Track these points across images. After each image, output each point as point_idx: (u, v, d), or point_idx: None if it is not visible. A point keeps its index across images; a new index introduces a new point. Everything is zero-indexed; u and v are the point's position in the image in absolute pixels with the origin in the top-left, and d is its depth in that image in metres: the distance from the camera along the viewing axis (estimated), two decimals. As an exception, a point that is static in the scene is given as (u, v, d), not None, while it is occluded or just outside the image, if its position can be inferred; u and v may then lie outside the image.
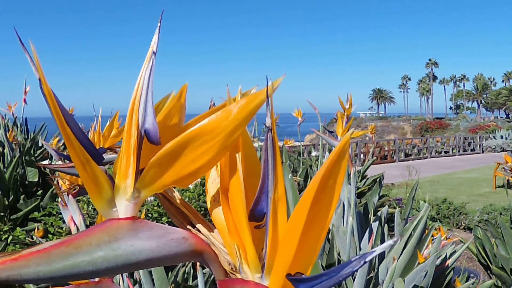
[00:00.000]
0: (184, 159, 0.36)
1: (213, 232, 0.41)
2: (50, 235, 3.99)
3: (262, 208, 0.36)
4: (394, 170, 18.22)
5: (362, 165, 20.68)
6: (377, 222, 2.87)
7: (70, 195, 1.73)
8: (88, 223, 3.38)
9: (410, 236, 2.67)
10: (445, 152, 26.37)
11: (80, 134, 0.38)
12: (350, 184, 2.53)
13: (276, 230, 0.36)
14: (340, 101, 2.88)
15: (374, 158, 7.12)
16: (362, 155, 22.24)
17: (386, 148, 24.10)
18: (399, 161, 23.68)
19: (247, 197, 0.37)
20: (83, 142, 0.37)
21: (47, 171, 4.59)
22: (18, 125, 5.98)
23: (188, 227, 0.41)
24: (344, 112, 2.72)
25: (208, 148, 0.36)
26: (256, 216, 0.37)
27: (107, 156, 1.45)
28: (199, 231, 0.41)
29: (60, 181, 1.80)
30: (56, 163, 4.37)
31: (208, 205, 0.42)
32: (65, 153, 1.84)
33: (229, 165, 0.39)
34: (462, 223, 7.38)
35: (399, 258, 2.57)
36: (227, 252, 0.40)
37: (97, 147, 1.43)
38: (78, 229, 1.73)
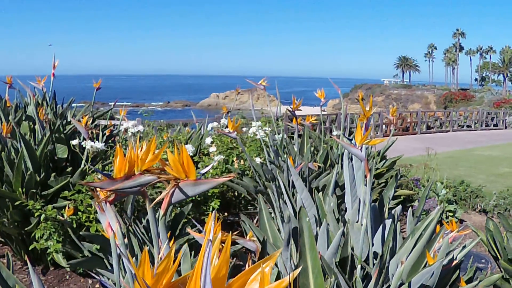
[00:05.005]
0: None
1: None
2: (79, 213, 4.18)
3: None
4: (415, 142, 18.32)
5: (383, 136, 20.78)
6: (391, 220, 3.02)
7: (107, 203, 1.89)
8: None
9: (421, 235, 2.82)
10: (468, 126, 26.29)
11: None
12: (366, 186, 2.68)
13: None
14: (361, 104, 3.01)
15: (394, 139, 7.19)
16: (384, 126, 22.32)
17: (409, 120, 24.09)
18: (421, 133, 23.73)
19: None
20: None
21: (77, 149, 4.78)
22: (47, 99, 6.13)
23: None
24: (364, 114, 2.85)
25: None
26: None
27: (145, 178, 1.61)
28: None
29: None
30: (86, 142, 4.56)
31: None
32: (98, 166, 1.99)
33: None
34: (478, 206, 7.50)
35: (408, 256, 2.73)
36: None
37: (136, 169, 1.60)
38: (114, 234, 1.89)
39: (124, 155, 1.61)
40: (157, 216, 1.78)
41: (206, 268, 0.54)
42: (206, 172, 1.65)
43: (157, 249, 1.75)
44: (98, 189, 1.99)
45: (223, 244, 1.96)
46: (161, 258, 1.40)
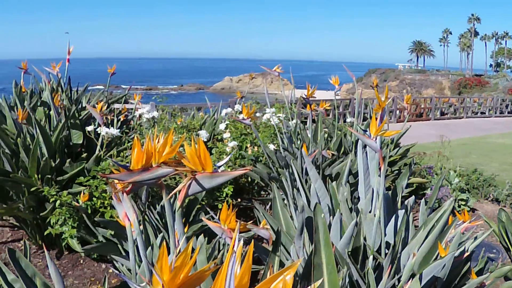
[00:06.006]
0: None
1: None
2: (94, 199, 4.22)
3: None
4: (429, 129, 18.28)
5: (397, 122, 20.75)
6: (403, 210, 3.03)
7: (124, 194, 1.92)
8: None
9: (433, 227, 2.83)
10: (482, 113, 26.15)
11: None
12: (380, 176, 2.69)
13: None
14: (376, 94, 3.02)
15: (408, 127, 7.05)
16: (397, 112, 22.28)
17: (422, 106, 24.01)
18: (434, 119, 23.64)
19: None
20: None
21: (92, 135, 4.82)
22: (62, 85, 6.15)
23: None
24: (380, 105, 2.86)
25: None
26: None
27: (162, 170, 1.63)
28: None
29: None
30: (101, 128, 4.59)
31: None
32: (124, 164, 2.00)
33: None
34: (491, 195, 7.48)
35: (419, 248, 2.75)
36: None
37: (153, 162, 1.62)
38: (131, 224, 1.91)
39: (142, 144, 1.63)
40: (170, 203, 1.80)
41: (230, 279, 0.57)
42: (222, 165, 1.67)
43: (173, 240, 1.77)
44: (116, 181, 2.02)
45: (241, 234, 1.98)
46: (179, 251, 1.42)
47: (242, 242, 0.64)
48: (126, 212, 1.91)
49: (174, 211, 1.76)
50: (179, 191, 1.64)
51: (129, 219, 1.90)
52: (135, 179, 1.59)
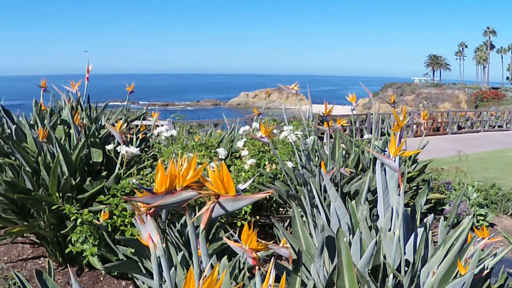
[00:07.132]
0: None
1: None
2: (114, 217, 4.26)
3: None
4: (446, 143, 18.26)
5: (414, 136, 20.73)
6: (422, 229, 3.05)
7: (148, 215, 1.95)
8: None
9: (452, 245, 2.84)
10: (499, 126, 26.05)
11: None
12: (399, 195, 2.70)
13: None
14: (394, 113, 3.04)
15: (425, 143, 6.99)
16: (414, 126, 22.26)
17: (439, 120, 23.97)
18: (451, 133, 23.60)
19: None
20: None
21: (112, 153, 4.87)
22: (82, 103, 6.20)
23: None
24: (398, 124, 2.88)
25: None
26: None
27: (186, 194, 1.66)
28: None
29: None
30: (121, 147, 4.64)
31: None
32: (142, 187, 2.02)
33: None
34: (510, 210, 7.45)
35: (439, 265, 2.75)
36: None
37: (177, 185, 1.65)
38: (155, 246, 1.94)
39: (164, 161, 1.66)
40: (189, 222, 1.83)
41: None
42: (244, 188, 1.70)
43: (196, 261, 1.80)
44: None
45: (258, 254, 2.00)
46: (205, 276, 1.44)
47: (274, 276, 0.67)
48: (150, 233, 1.94)
49: (196, 230, 1.78)
50: (203, 214, 1.67)
51: (153, 240, 1.93)
52: (159, 203, 1.63)
